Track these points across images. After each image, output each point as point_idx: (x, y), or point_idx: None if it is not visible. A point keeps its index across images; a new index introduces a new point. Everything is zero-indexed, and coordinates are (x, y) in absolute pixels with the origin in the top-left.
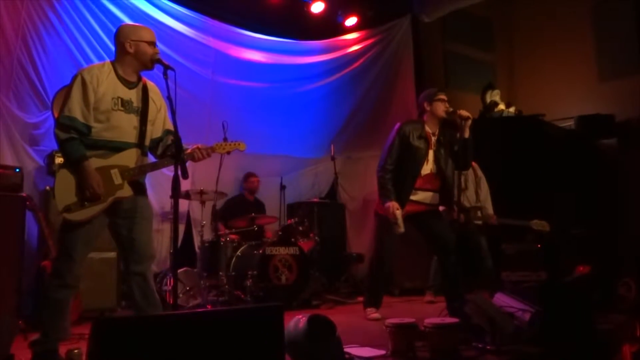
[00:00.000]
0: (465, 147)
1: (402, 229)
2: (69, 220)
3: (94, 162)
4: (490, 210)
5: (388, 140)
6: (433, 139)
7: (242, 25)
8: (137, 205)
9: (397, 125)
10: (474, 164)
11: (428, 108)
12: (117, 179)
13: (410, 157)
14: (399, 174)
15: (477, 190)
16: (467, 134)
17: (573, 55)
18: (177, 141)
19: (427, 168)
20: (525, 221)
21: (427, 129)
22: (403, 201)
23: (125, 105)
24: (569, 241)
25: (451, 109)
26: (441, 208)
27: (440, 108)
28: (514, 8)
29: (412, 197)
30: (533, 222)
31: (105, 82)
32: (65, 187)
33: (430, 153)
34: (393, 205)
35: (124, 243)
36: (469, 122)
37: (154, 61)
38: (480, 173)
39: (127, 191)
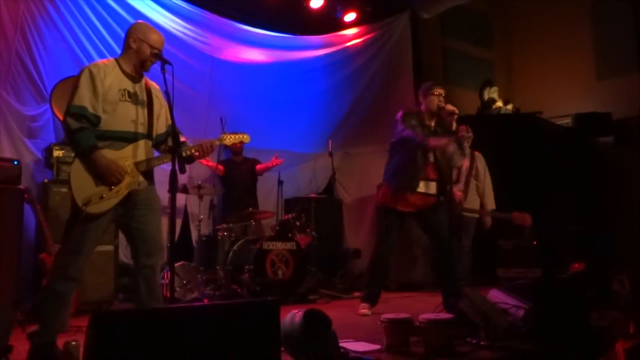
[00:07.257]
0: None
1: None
2: (89, 213)
3: (106, 154)
4: (488, 204)
5: (397, 127)
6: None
7: (241, 20)
8: (146, 197)
9: (400, 112)
10: (477, 153)
11: (423, 102)
12: (132, 171)
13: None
14: (409, 161)
15: (477, 184)
16: (453, 129)
17: (571, 53)
18: (175, 135)
19: (429, 157)
20: (507, 213)
21: (426, 119)
22: (414, 186)
23: (132, 96)
24: (565, 238)
25: (442, 104)
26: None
27: (434, 102)
28: (513, 5)
29: (419, 189)
30: (514, 214)
31: (111, 75)
32: (81, 181)
33: None
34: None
35: (133, 235)
36: (455, 116)
37: (149, 61)
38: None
39: (142, 183)
